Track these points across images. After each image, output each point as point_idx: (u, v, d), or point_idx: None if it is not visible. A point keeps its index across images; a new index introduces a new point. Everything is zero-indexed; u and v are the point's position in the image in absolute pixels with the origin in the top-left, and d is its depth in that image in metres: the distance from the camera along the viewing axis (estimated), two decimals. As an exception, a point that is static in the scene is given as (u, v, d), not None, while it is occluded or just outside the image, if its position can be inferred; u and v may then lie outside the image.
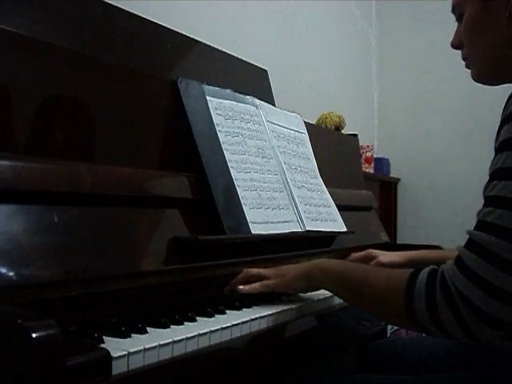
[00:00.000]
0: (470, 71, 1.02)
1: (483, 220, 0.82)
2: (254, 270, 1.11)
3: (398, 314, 0.89)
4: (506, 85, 0.99)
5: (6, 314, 0.61)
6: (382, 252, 1.48)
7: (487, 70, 0.98)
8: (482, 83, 1.02)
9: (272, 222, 1.24)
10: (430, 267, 0.87)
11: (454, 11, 1.00)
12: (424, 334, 0.94)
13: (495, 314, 0.79)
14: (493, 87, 1.06)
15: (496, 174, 0.83)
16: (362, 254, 1.49)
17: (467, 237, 0.84)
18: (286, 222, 1.30)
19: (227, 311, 0.97)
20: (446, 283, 0.82)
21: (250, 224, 1.16)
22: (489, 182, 0.85)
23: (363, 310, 1.07)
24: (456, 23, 1.01)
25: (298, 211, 1.36)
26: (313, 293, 1.22)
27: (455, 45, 1.02)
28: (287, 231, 1.29)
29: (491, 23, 0.93)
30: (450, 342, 1.26)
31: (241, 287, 1.06)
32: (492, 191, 0.83)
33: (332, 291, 1.08)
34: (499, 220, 0.80)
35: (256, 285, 1.06)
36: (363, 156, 2.99)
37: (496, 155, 0.86)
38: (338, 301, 1.22)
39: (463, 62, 1.04)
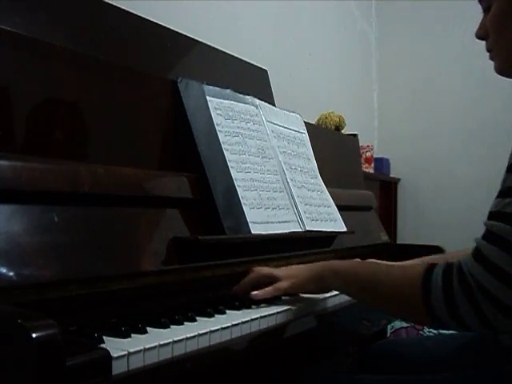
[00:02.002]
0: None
1: (501, 211, 0.82)
2: (266, 270, 1.10)
3: (415, 310, 0.88)
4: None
5: (6, 314, 0.61)
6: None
7: (510, 64, 0.97)
8: (504, 75, 1.01)
9: (272, 222, 1.24)
10: (444, 262, 0.87)
11: (480, 1, 1.00)
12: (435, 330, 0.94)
13: None
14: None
15: None
16: None
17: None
18: (286, 222, 1.30)
19: (227, 311, 0.97)
20: (463, 274, 0.83)
21: (250, 224, 1.16)
22: (507, 173, 0.85)
23: (378, 308, 1.06)
24: (480, 14, 1.01)
25: (298, 211, 1.36)
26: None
27: (480, 35, 1.01)
28: (287, 231, 1.29)
29: None
30: (450, 341, 1.26)
31: (254, 293, 1.04)
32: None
33: (345, 292, 1.07)
34: None
35: (269, 289, 1.05)
36: (363, 156, 2.99)
37: None
38: (338, 301, 1.22)
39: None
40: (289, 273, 1.09)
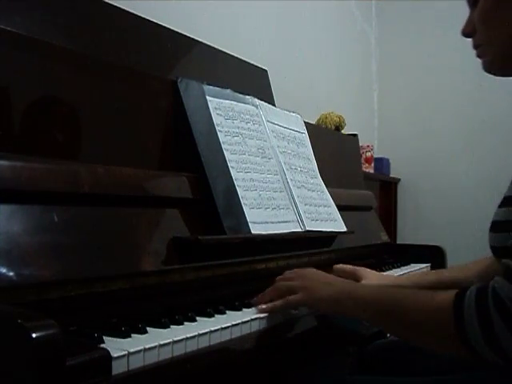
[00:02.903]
0: (478, 66, 0.97)
1: None
2: (284, 285, 1.03)
3: (448, 339, 0.81)
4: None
5: (6, 314, 0.61)
6: (365, 274, 1.32)
7: (500, 59, 0.94)
8: (493, 73, 0.98)
9: (272, 222, 1.24)
10: (475, 286, 0.81)
11: None
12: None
13: None
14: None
15: None
16: (347, 268, 1.34)
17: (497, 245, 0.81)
18: (286, 222, 1.30)
19: (227, 311, 0.97)
20: (499, 299, 0.76)
21: (250, 224, 1.16)
22: None
23: (407, 339, 0.97)
24: (467, 11, 0.98)
25: (298, 211, 1.36)
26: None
27: (467, 32, 0.98)
28: (287, 231, 1.29)
29: (508, 10, 0.90)
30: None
31: (263, 306, 1.00)
32: None
33: (365, 320, 0.99)
34: None
35: (279, 303, 1.00)
36: (363, 156, 2.99)
37: None
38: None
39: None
40: (307, 284, 1.01)
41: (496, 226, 0.88)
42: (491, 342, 0.77)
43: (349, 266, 1.34)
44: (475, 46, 0.98)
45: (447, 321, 0.80)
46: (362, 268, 1.34)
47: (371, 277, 1.31)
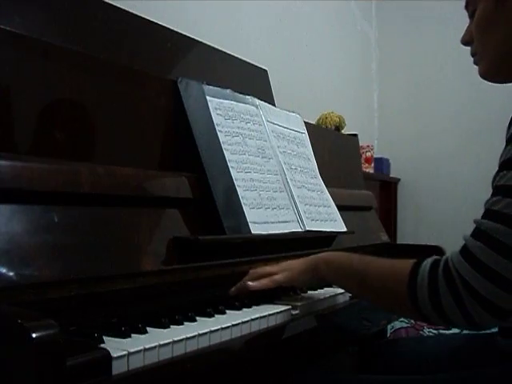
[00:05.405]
0: (477, 68, 1.00)
1: (490, 208, 0.84)
2: (260, 269, 1.12)
3: (402, 303, 0.90)
4: (506, 85, 0.99)
5: (6, 314, 0.61)
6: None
7: (495, 67, 0.97)
8: (488, 80, 1.01)
9: (272, 222, 1.24)
10: (433, 257, 0.88)
11: (467, 7, 1.01)
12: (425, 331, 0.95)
13: (497, 302, 0.80)
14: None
15: (505, 164, 0.85)
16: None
17: (474, 226, 0.85)
18: (286, 221, 1.30)
19: (227, 311, 0.97)
20: (448, 270, 0.83)
21: (249, 224, 1.16)
22: (498, 172, 0.87)
23: (367, 301, 1.08)
24: (468, 21, 1.01)
25: (298, 211, 1.36)
26: (313, 292, 1.22)
27: (466, 41, 1.02)
28: (287, 231, 1.29)
29: (503, 20, 0.93)
30: (450, 341, 1.26)
31: (250, 283, 1.06)
32: (501, 181, 0.85)
33: (336, 283, 1.10)
34: (506, 208, 0.81)
35: (265, 280, 1.07)
36: (363, 156, 2.99)
37: (506, 146, 0.87)
38: (338, 301, 1.22)
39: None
40: (284, 267, 1.11)
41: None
42: (438, 309, 0.84)
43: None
44: (472, 54, 1.01)
45: (402, 287, 0.88)
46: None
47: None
